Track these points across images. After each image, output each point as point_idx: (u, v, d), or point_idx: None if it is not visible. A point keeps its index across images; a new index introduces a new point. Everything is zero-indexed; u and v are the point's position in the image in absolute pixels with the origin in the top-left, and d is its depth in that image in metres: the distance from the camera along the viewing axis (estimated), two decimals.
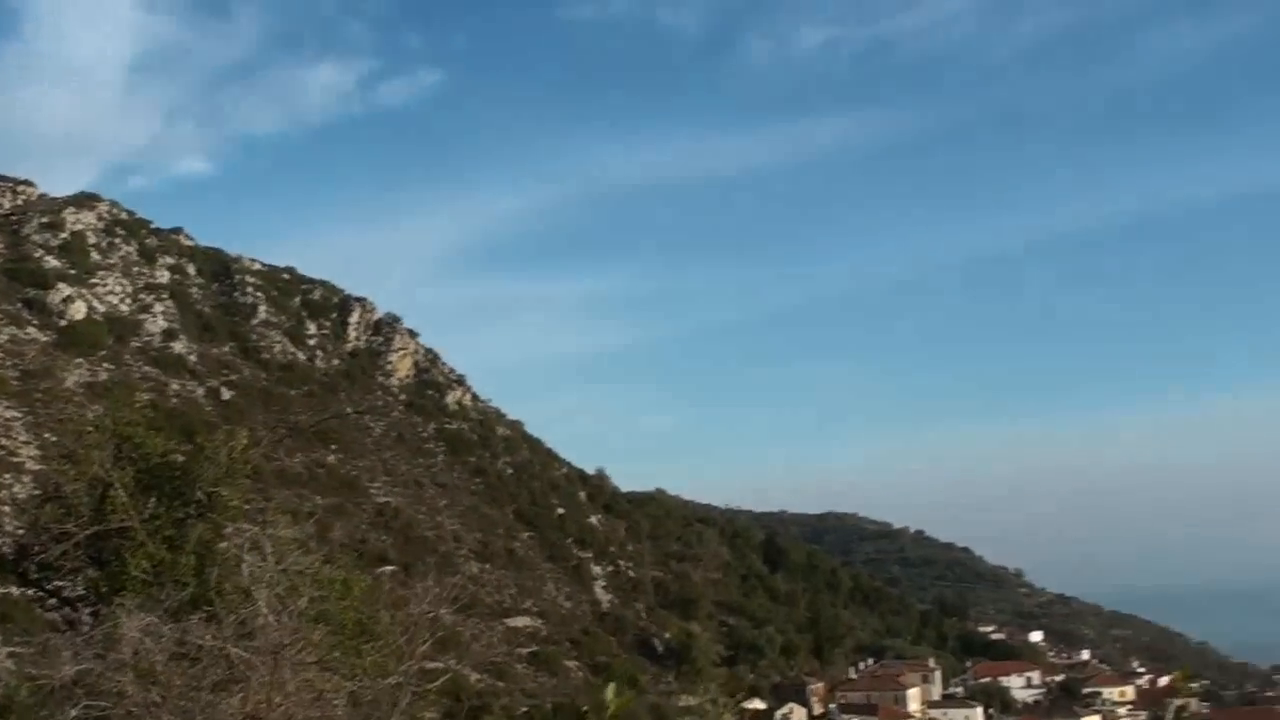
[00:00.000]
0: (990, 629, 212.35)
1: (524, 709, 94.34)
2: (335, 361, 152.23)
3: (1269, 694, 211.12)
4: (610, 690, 7.42)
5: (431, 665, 15.94)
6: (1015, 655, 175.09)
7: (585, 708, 7.92)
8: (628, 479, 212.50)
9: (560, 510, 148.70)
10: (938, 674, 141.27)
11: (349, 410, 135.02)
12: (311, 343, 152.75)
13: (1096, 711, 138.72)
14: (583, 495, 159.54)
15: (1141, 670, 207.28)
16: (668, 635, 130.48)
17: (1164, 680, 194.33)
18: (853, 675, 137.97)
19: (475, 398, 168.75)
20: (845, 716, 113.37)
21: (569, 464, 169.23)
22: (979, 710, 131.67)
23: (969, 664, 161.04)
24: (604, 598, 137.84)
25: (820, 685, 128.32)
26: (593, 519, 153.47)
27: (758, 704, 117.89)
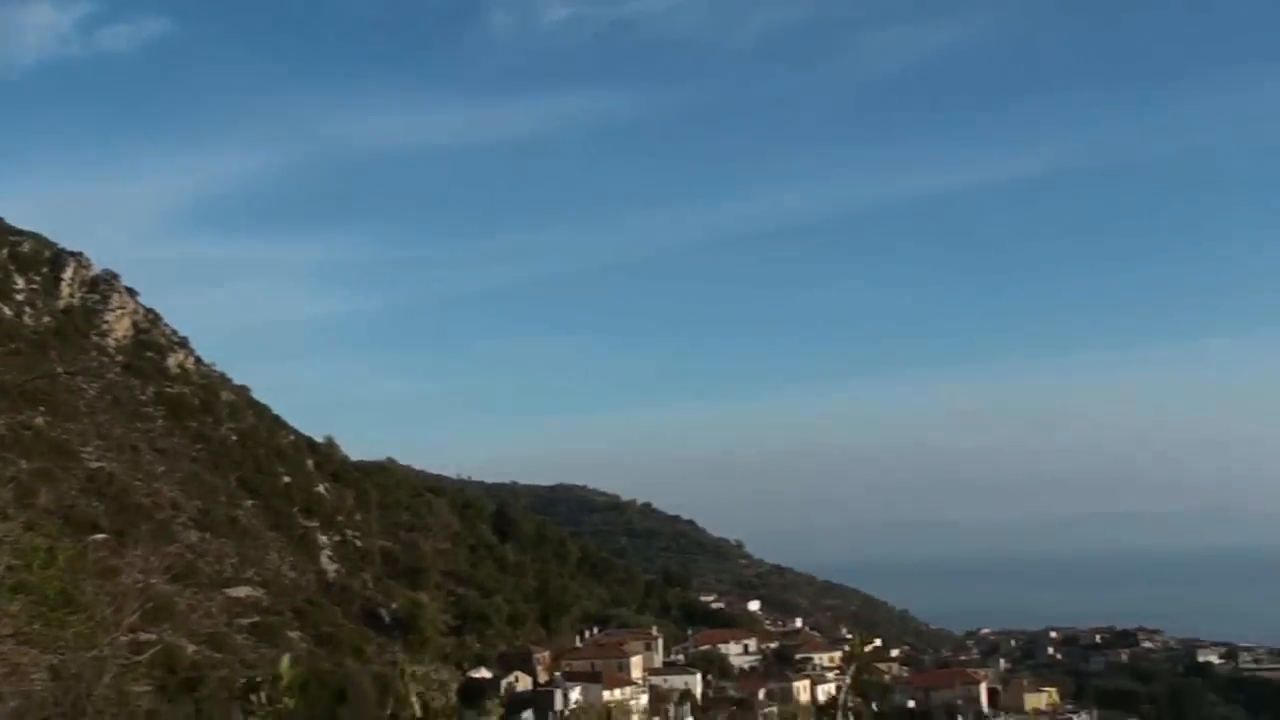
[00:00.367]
0: (711, 598, 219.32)
1: (243, 680, 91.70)
2: (46, 319, 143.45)
3: (962, 658, 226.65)
4: (285, 661, 7.48)
5: (144, 637, 15.50)
6: (734, 624, 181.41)
7: (258, 677, 7.96)
8: (359, 448, 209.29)
9: (286, 478, 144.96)
10: (660, 642, 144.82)
11: (60, 370, 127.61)
12: (20, 298, 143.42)
13: (807, 676, 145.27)
14: (310, 463, 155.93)
15: (849, 636, 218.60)
16: (395, 605, 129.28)
17: (868, 646, 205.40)
18: (578, 644, 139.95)
19: (199, 361, 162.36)
20: (569, 684, 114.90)
21: (296, 431, 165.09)
22: (698, 676, 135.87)
23: (690, 632, 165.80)
24: (330, 567, 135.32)
25: (546, 654, 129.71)
26: (320, 487, 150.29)
27: (484, 672, 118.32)
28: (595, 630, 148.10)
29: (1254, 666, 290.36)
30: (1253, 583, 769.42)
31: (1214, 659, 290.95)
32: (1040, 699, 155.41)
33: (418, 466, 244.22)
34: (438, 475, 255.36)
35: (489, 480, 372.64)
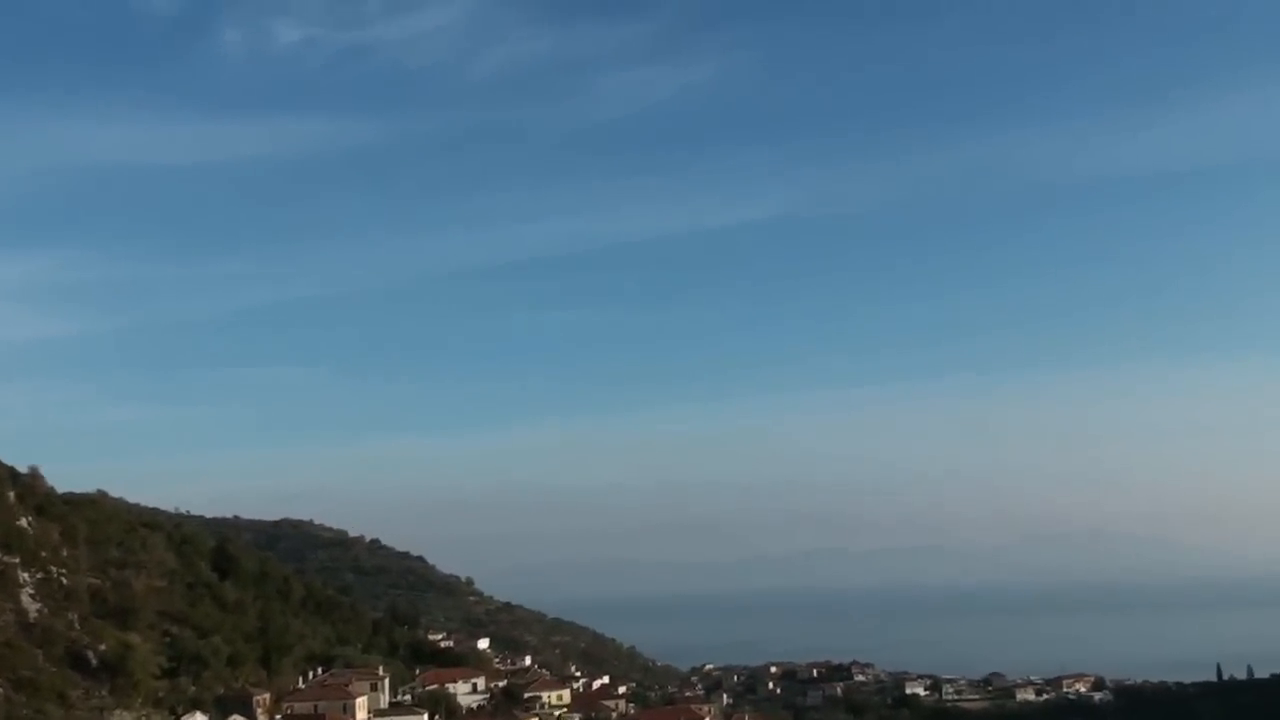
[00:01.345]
0: (440, 636, 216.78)
1: None
2: None
3: (688, 694, 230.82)
4: None
5: None
6: (463, 662, 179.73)
7: None
8: (71, 479, 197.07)
9: None
10: (386, 682, 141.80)
11: None
12: None
13: (535, 715, 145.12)
14: (12, 495, 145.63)
15: (579, 674, 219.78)
16: (103, 646, 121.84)
17: (597, 683, 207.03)
18: (301, 685, 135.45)
19: None
20: None
21: None
22: (425, 717, 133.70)
23: (418, 671, 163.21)
24: (31, 607, 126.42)
25: (266, 696, 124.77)
26: (22, 521, 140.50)
27: (199, 716, 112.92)
28: (319, 671, 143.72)
29: (955, 697, 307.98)
30: (961, 617, 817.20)
31: (920, 691, 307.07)
32: None
33: (132, 499, 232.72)
34: (154, 509, 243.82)
35: (210, 515, 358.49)
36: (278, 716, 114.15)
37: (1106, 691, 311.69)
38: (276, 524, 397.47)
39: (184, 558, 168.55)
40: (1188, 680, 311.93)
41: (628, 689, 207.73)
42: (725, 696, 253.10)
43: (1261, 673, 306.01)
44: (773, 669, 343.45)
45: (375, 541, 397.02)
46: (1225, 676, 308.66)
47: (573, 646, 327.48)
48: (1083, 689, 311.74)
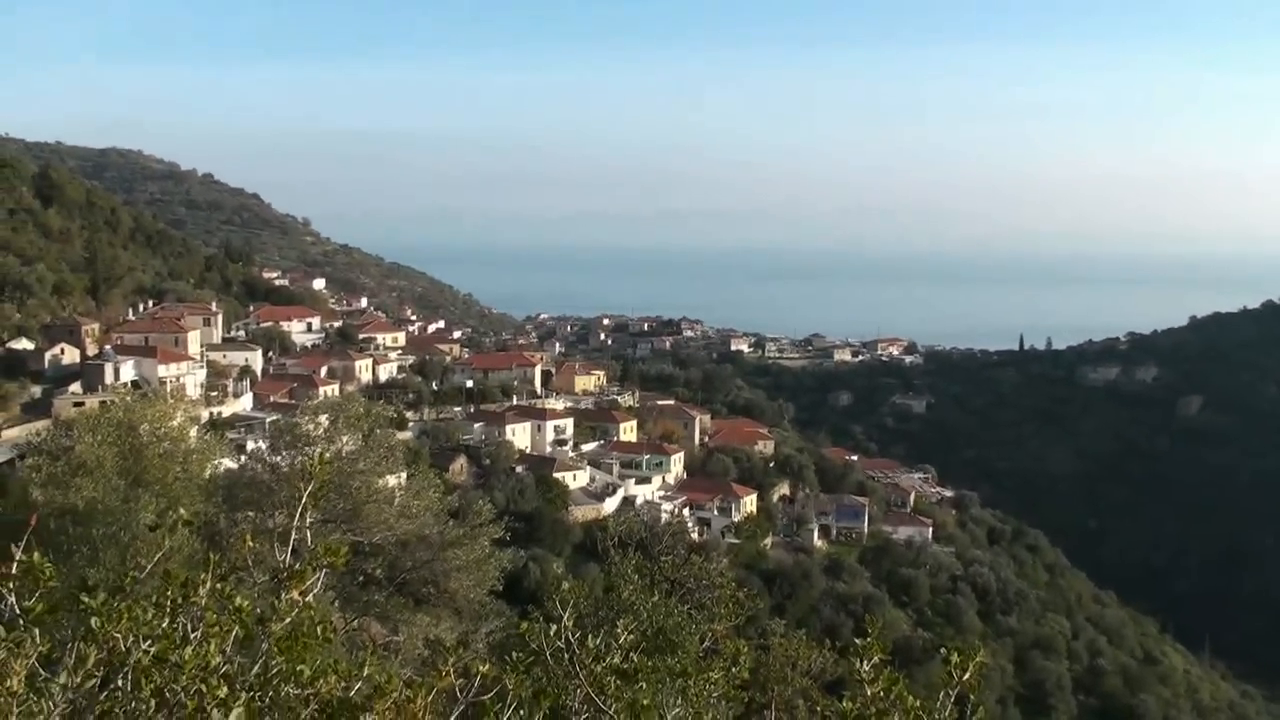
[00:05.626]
0: (275, 275, 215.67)
1: None
2: None
3: (521, 341, 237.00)
4: None
5: None
6: (298, 301, 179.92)
7: None
8: None
9: None
10: (220, 317, 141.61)
11: None
12: None
13: (370, 355, 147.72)
14: None
15: (414, 318, 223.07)
16: None
17: (432, 328, 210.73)
18: (131, 317, 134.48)
19: None
20: (121, 357, 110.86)
21: None
22: (259, 353, 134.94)
23: (252, 308, 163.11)
24: None
25: (95, 326, 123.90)
26: None
27: (25, 343, 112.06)
28: (150, 304, 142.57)
29: (777, 355, 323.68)
30: (782, 280, 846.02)
31: (744, 348, 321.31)
32: (589, 380, 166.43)
33: None
34: None
35: (30, 139, 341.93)
36: (107, 346, 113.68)
37: (918, 355, 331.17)
38: (103, 152, 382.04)
39: (4, 182, 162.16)
40: (993, 349, 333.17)
41: (462, 334, 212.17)
42: (558, 345, 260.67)
43: (1059, 344, 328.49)
44: (605, 321, 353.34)
45: (209, 176, 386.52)
46: (1026, 346, 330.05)
47: (409, 291, 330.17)
48: (895, 352, 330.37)
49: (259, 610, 5.96)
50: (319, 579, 6.27)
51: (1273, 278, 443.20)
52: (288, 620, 5.89)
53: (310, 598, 6.13)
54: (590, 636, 8.27)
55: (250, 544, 6.74)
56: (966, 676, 7.81)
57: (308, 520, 10.33)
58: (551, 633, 8.04)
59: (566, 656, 7.99)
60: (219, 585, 5.82)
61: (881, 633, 7.48)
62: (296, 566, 6.15)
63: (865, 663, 7.16)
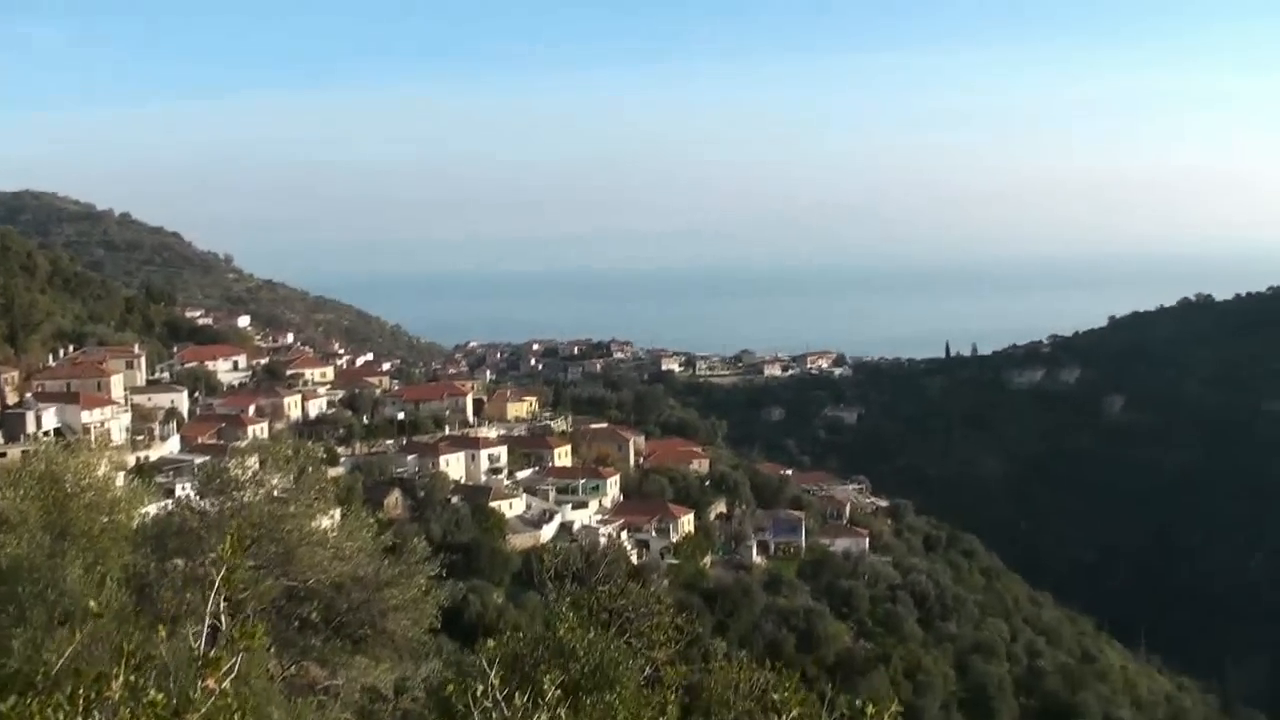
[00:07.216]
0: (198, 314, 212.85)
1: None
2: None
3: (451, 370, 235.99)
4: None
5: None
6: (222, 339, 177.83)
7: None
8: None
9: None
10: (143, 360, 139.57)
11: None
12: None
13: (298, 391, 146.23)
14: None
15: (341, 352, 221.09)
16: None
17: (360, 360, 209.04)
18: (52, 363, 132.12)
19: None
20: (43, 404, 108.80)
21: None
22: (184, 394, 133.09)
23: (176, 349, 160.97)
24: None
25: (15, 374, 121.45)
26: None
27: None
28: (70, 349, 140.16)
29: (708, 373, 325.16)
30: (713, 297, 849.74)
31: (675, 367, 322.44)
32: (522, 407, 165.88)
33: None
34: None
35: None
36: (28, 394, 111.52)
37: (847, 367, 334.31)
38: (17, 195, 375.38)
39: None
40: (920, 357, 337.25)
41: (392, 366, 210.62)
42: (488, 373, 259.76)
43: (984, 350, 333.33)
44: (535, 346, 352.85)
45: (126, 215, 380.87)
46: (952, 354, 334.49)
47: (336, 324, 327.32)
48: (825, 364, 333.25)
49: (174, 702, 5.90)
50: (236, 664, 6.23)
51: (1192, 276, 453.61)
52: (203, 711, 5.85)
53: (227, 684, 6.09)
54: (518, 694, 8.27)
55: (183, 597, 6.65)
56: None
57: (237, 573, 10.24)
58: (479, 693, 8.06)
59: (494, 716, 8.01)
60: (131, 679, 5.76)
61: (798, 687, 7.58)
62: (211, 654, 6.11)
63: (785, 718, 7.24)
